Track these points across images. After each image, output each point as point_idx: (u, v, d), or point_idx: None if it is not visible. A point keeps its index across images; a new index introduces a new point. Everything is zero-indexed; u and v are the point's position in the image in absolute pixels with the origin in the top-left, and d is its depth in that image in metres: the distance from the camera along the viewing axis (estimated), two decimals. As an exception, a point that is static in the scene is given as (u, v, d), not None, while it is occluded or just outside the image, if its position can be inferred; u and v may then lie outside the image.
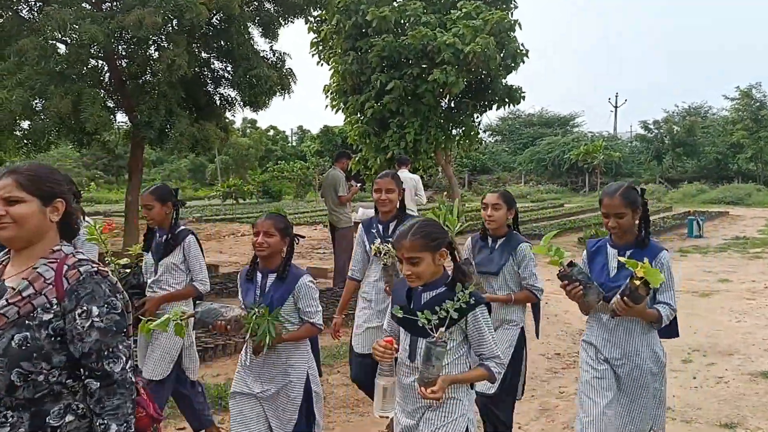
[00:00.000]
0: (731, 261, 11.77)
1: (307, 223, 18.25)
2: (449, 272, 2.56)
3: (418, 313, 2.44)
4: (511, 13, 15.03)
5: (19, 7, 11.22)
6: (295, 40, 16.76)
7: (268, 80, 11.38)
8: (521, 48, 14.17)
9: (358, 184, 10.04)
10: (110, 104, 11.97)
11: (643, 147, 40.22)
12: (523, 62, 14.39)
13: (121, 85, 11.51)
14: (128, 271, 3.73)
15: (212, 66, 12.39)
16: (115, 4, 11.01)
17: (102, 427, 1.75)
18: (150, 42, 10.75)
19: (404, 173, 9.05)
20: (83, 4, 10.69)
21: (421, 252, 2.42)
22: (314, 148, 39.26)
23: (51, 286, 1.76)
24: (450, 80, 12.96)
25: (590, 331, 3.14)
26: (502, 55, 13.76)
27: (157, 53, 10.87)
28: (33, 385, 1.72)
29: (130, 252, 3.99)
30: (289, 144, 50.57)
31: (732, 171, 36.25)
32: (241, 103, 12.56)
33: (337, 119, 53.61)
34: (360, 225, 4.24)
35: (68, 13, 9.64)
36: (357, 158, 15.15)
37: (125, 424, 1.77)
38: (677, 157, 38.65)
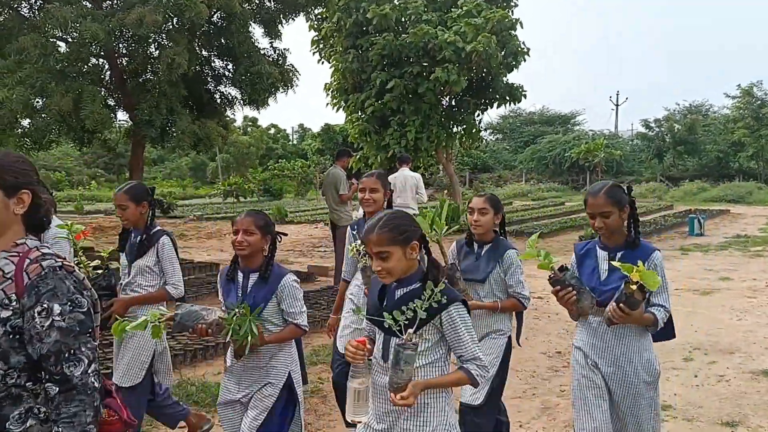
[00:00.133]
0: (732, 259, 11.76)
1: (308, 222, 18.23)
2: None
3: (385, 314, 2.30)
4: (512, 12, 15.03)
5: (20, 5, 11.23)
6: (296, 37, 16.78)
7: (269, 77, 11.38)
8: (522, 46, 14.17)
9: (359, 183, 10.03)
10: (111, 102, 11.99)
11: (644, 145, 40.14)
12: (524, 61, 14.42)
13: (122, 83, 11.51)
14: (99, 272, 3.58)
15: (213, 64, 12.41)
16: (115, 2, 11.04)
17: None
18: (150, 40, 10.76)
19: (405, 171, 9.06)
20: (84, 2, 10.72)
21: (390, 246, 2.28)
22: (315, 146, 39.31)
23: (10, 281, 1.64)
24: (451, 78, 12.96)
25: (580, 335, 3.03)
26: (503, 53, 13.77)
27: (157, 51, 10.89)
28: None
29: (101, 253, 3.90)
30: (290, 142, 50.56)
31: (733, 169, 36.17)
32: (242, 102, 12.57)
33: (338, 117, 53.76)
34: (349, 226, 4.22)
35: (69, 11, 9.65)
36: (358, 156, 15.16)
37: None
38: (678, 156, 38.57)
